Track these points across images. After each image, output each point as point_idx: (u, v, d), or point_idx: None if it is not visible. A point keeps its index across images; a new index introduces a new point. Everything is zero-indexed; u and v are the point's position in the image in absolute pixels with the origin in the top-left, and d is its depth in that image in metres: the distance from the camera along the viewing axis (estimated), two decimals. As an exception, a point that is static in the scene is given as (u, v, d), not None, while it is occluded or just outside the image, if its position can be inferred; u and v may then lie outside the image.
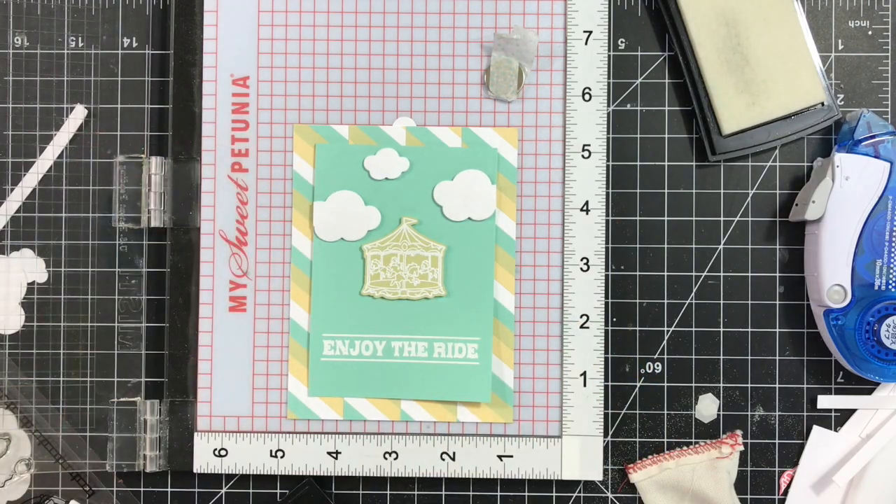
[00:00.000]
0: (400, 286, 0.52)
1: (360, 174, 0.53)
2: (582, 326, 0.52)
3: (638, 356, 0.54)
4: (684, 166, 0.55)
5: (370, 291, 0.52)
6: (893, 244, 0.51)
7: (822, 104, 0.53)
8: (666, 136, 0.55)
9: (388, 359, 0.52)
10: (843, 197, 0.51)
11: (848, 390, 0.54)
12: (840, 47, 0.55)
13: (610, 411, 0.54)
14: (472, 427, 0.53)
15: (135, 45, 0.56)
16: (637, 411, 0.54)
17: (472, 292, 0.52)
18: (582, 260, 0.53)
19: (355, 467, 0.53)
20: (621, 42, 0.55)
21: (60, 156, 0.55)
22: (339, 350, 0.53)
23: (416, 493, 0.54)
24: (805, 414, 0.54)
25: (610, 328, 0.54)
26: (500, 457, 0.53)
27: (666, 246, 0.54)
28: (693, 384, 0.54)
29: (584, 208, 0.53)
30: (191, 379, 0.53)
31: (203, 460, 0.53)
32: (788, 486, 0.54)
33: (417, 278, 0.52)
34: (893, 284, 0.51)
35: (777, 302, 0.54)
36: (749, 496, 0.54)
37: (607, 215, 0.54)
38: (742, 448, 0.53)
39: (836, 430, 0.54)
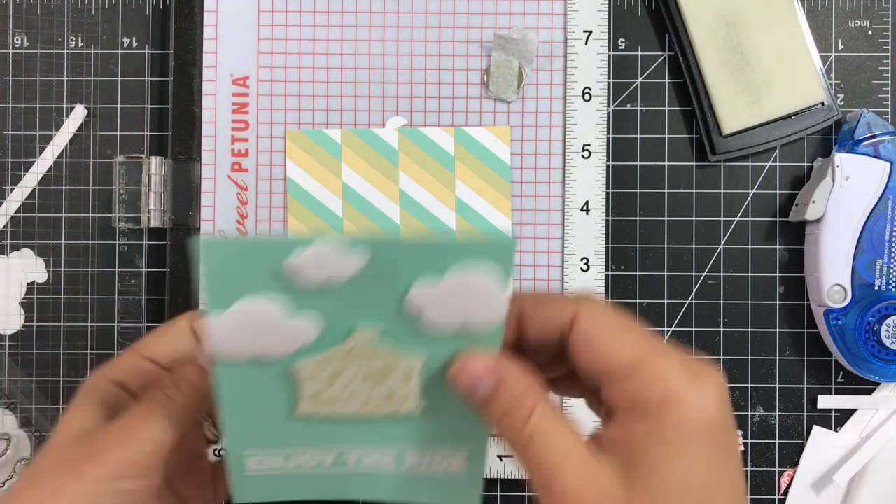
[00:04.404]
0: (353, 404, 0.33)
1: (278, 279, 0.30)
2: (582, 326, 0.52)
3: (638, 356, 0.54)
4: (684, 166, 0.55)
5: (310, 410, 0.33)
6: (894, 244, 0.51)
7: (822, 104, 0.53)
8: (666, 136, 0.55)
9: (342, 469, 0.34)
10: (844, 197, 0.51)
11: (848, 390, 0.54)
12: (840, 47, 0.54)
13: (610, 411, 0.54)
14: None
15: (135, 45, 0.56)
16: (637, 411, 0.54)
17: (459, 402, 0.32)
18: (582, 260, 0.53)
19: (355, 467, 0.53)
20: (621, 42, 0.55)
21: (60, 156, 0.55)
22: (270, 465, 0.34)
23: (416, 493, 0.54)
24: (805, 414, 0.54)
25: (610, 328, 0.54)
26: (500, 457, 0.53)
27: (666, 246, 0.54)
28: (693, 384, 0.54)
29: (584, 208, 0.53)
30: (191, 379, 0.53)
31: (203, 460, 0.53)
32: (789, 486, 0.54)
33: (382, 397, 0.33)
34: (894, 284, 0.51)
35: (777, 302, 0.54)
36: (749, 496, 0.54)
37: (607, 215, 0.54)
38: (742, 448, 0.53)
39: (836, 430, 0.54)
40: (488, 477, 0.53)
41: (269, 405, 0.33)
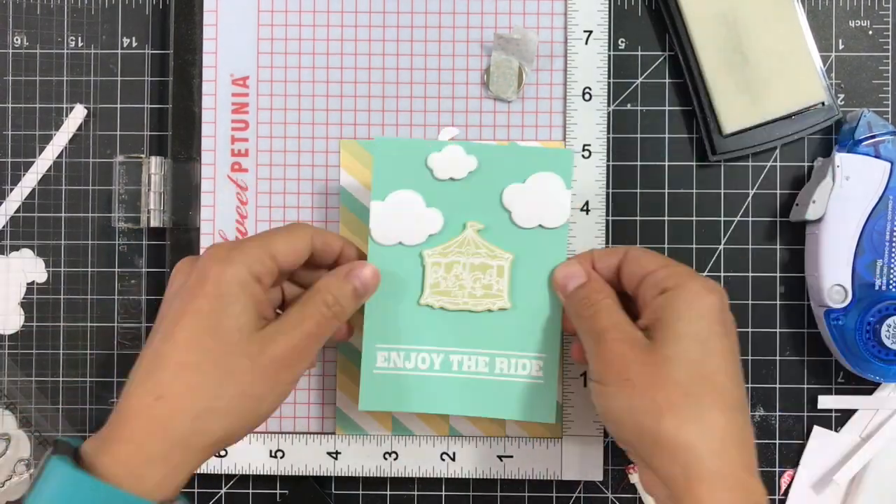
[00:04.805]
0: (461, 296, 0.48)
1: (422, 173, 0.47)
2: (582, 326, 0.52)
3: (638, 356, 0.54)
4: (684, 166, 0.54)
5: (429, 301, 0.48)
6: (894, 244, 0.51)
7: (823, 104, 0.53)
8: (666, 136, 0.55)
9: (447, 373, 0.48)
10: (844, 197, 0.51)
11: (848, 390, 0.54)
12: (840, 47, 0.54)
13: (610, 411, 0.54)
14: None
15: (134, 44, 0.56)
16: (637, 411, 0.54)
17: (539, 305, 0.48)
18: (582, 260, 0.53)
19: (355, 467, 0.53)
20: (621, 42, 0.55)
21: (60, 156, 0.55)
22: (394, 362, 0.48)
23: (415, 493, 0.54)
24: (805, 414, 0.54)
25: (610, 328, 0.54)
26: (500, 457, 0.53)
27: (666, 246, 0.54)
28: (693, 384, 0.54)
29: (584, 208, 0.53)
30: (190, 379, 0.53)
31: (203, 460, 0.53)
32: (789, 486, 0.54)
33: (481, 288, 0.48)
34: (894, 284, 0.51)
35: (777, 302, 0.54)
36: (749, 496, 0.54)
37: (607, 215, 0.54)
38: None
39: (836, 431, 0.54)
40: (488, 477, 0.53)
41: (400, 291, 0.47)
